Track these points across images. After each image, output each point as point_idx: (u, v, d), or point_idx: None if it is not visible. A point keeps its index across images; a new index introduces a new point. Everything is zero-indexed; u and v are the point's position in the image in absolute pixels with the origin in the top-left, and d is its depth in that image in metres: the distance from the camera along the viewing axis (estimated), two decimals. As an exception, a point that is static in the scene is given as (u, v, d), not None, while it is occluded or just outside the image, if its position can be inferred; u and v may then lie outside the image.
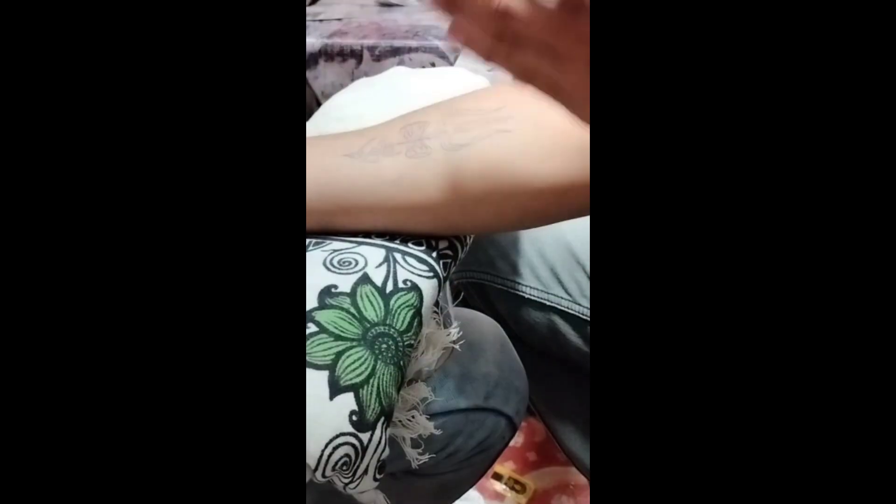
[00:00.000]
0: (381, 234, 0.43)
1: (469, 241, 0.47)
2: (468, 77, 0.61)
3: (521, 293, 0.60)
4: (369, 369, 0.35)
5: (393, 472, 0.62)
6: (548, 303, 0.60)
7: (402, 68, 0.68)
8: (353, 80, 0.76)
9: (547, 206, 0.42)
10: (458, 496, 0.59)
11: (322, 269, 0.39)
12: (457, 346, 0.42)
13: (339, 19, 0.85)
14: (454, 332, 0.42)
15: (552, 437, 0.74)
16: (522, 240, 0.60)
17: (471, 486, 0.60)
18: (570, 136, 0.39)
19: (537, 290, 0.60)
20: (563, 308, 0.60)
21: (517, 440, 1.05)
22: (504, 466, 1.02)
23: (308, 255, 0.41)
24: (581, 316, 0.59)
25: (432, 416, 0.45)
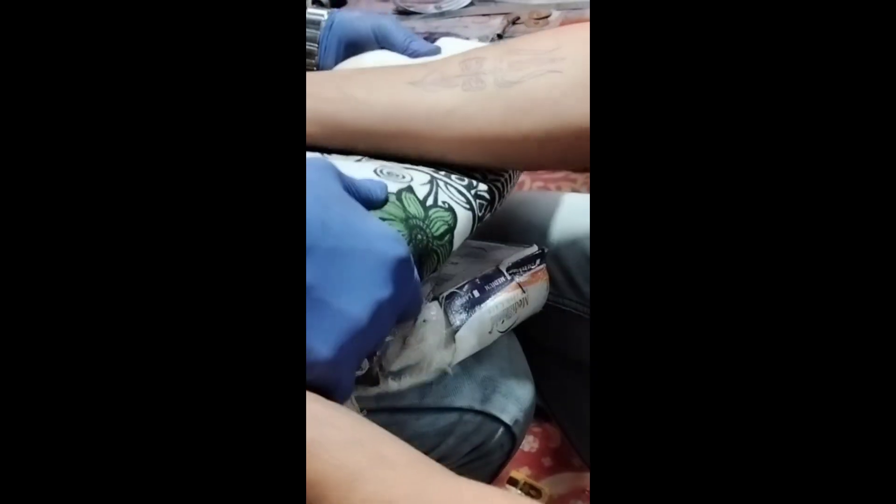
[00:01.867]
0: (430, 165, 0.46)
1: (508, 190, 0.50)
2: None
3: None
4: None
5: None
6: (562, 307, 0.60)
7: (451, 39, 0.69)
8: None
9: (586, 146, 0.43)
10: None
11: (372, 174, 0.42)
12: (450, 371, 0.44)
13: (359, 27, 0.86)
14: (449, 355, 0.44)
15: (567, 442, 0.74)
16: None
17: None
18: None
19: (552, 293, 0.61)
20: (578, 312, 0.60)
21: (532, 446, 1.04)
22: (520, 472, 1.01)
23: (358, 164, 0.44)
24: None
25: (424, 410, 0.47)
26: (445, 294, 0.43)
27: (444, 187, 0.43)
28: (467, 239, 0.44)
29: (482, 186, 0.46)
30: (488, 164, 0.47)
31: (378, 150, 0.46)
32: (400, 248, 0.35)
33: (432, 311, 0.42)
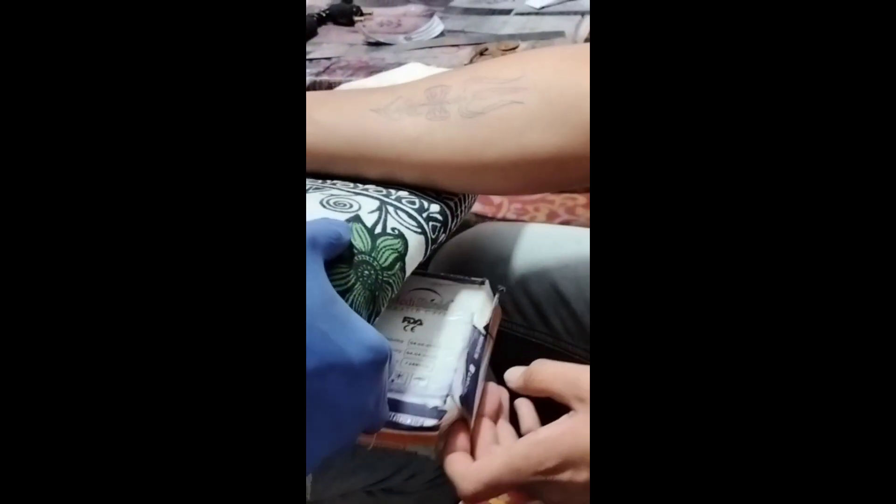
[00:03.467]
0: (382, 186, 0.46)
1: (462, 213, 0.49)
2: None
3: (505, 329, 0.60)
4: (349, 284, 0.37)
5: (370, 490, 0.62)
6: (533, 340, 0.60)
7: (418, 64, 0.69)
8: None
9: (550, 175, 0.45)
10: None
11: (318, 206, 0.41)
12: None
13: (329, 58, 0.86)
14: None
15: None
16: (509, 278, 0.60)
17: (454, 504, 0.58)
18: (578, 112, 0.42)
19: (522, 326, 0.60)
20: (548, 345, 0.59)
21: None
22: (498, 499, 1.00)
23: (307, 196, 0.43)
24: (565, 353, 0.59)
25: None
26: (459, 395, 0.41)
27: (393, 213, 0.43)
28: (420, 264, 0.43)
29: (434, 208, 0.45)
30: (454, 190, 0.47)
31: (344, 175, 0.47)
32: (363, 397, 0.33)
33: (451, 406, 0.40)
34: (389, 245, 0.40)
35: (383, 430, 0.39)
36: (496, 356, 0.49)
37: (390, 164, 0.45)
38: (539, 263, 0.60)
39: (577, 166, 0.43)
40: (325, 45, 0.90)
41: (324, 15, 0.96)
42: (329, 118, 0.45)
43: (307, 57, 0.87)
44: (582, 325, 0.58)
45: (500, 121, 0.43)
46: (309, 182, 0.46)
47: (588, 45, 0.45)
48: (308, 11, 0.97)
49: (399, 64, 0.80)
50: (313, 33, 0.95)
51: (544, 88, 0.43)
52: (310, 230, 0.34)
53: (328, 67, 0.83)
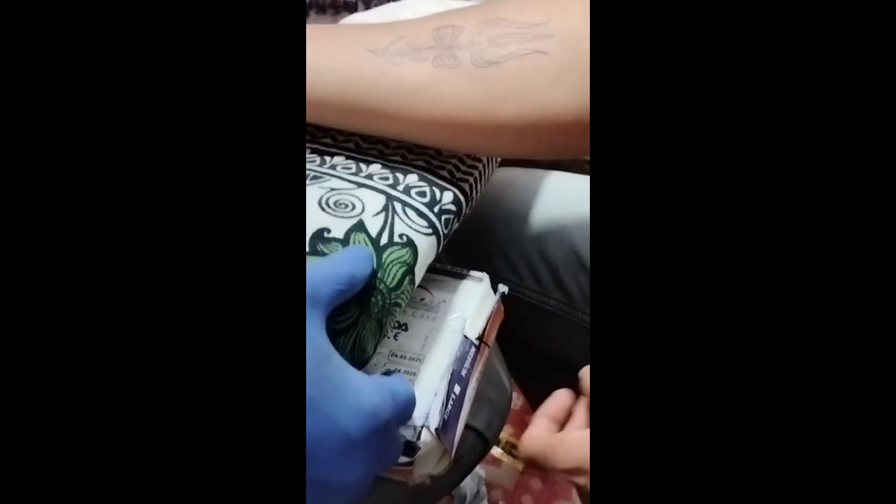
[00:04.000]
0: (387, 169, 0.40)
1: (478, 194, 0.43)
2: None
3: (518, 294, 0.56)
4: (351, 320, 0.33)
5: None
6: (547, 307, 0.55)
7: None
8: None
9: (572, 140, 0.38)
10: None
11: (317, 208, 0.36)
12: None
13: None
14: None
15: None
16: (524, 238, 0.55)
17: (446, 493, 0.57)
18: None
19: (536, 292, 0.56)
20: (563, 314, 0.55)
21: (516, 402, 1.02)
22: (503, 431, 1.00)
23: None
24: (582, 324, 0.55)
25: None
26: (435, 427, 0.36)
27: (401, 212, 0.37)
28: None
29: (447, 197, 0.40)
30: (454, 150, 0.41)
31: (332, 125, 0.41)
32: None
33: (427, 438, 0.36)
34: (397, 258, 0.35)
35: None
36: (507, 323, 0.45)
37: (387, 118, 0.39)
38: (558, 221, 0.55)
39: None
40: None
41: None
42: (319, 58, 0.38)
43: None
44: (601, 296, 0.53)
45: (520, 73, 0.36)
46: (308, 165, 0.41)
47: None
48: None
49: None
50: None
51: (572, 36, 0.36)
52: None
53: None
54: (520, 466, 1.00)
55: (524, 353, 0.56)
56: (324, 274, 0.30)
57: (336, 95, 0.38)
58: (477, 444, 0.49)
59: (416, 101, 0.38)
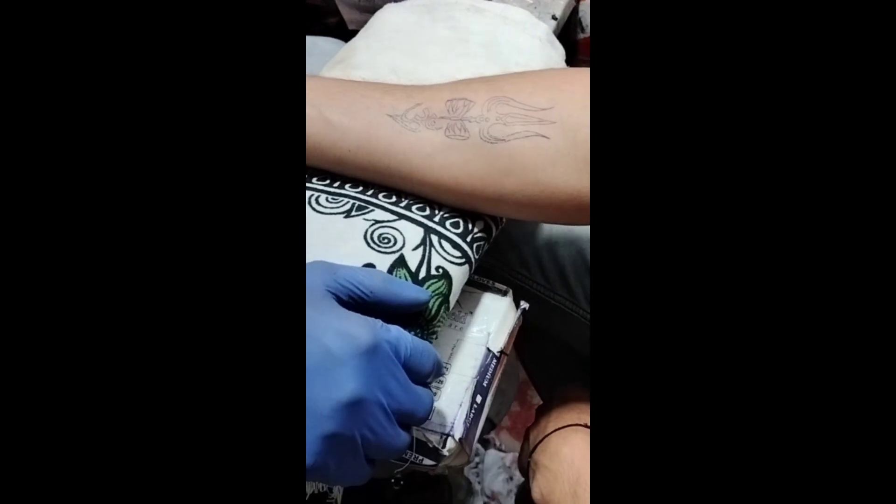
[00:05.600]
0: (419, 202, 0.44)
1: (503, 220, 0.48)
2: (530, 24, 0.59)
3: (525, 286, 0.60)
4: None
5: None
6: (551, 301, 0.60)
7: (393, 6, 0.63)
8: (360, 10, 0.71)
9: (567, 215, 0.43)
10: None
11: (363, 242, 0.40)
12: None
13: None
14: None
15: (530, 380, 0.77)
16: (536, 236, 0.60)
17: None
18: None
19: (542, 286, 0.60)
20: (565, 308, 0.60)
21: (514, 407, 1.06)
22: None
23: (351, 220, 0.42)
24: (582, 319, 0.60)
25: None
26: (459, 437, 0.40)
27: (437, 245, 0.41)
28: None
29: (478, 226, 0.44)
30: (461, 209, 0.45)
31: (351, 176, 0.44)
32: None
33: (451, 446, 0.40)
34: (435, 289, 0.39)
35: None
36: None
37: (401, 178, 0.43)
38: (570, 228, 0.60)
39: None
40: None
41: None
42: (341, 118, 0.42)
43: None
44: (602, 298, 0.58)
45: (522, 152, 0.41)
46: (352, 192, 0.44)
47: None
48: None
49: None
50: None
51: (572, 126, 0.40)
52: (335, 268, 0.35)
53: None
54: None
55: (528, 333, 0.62)
56: (354, 274, 0.36)
57: (355, 153, 0.43)
58: (486, 427, 0.55)
59: (428, 165, 0.42)
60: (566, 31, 0.76)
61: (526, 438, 0.55)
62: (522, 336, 0.62)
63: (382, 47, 0.56)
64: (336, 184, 0.45)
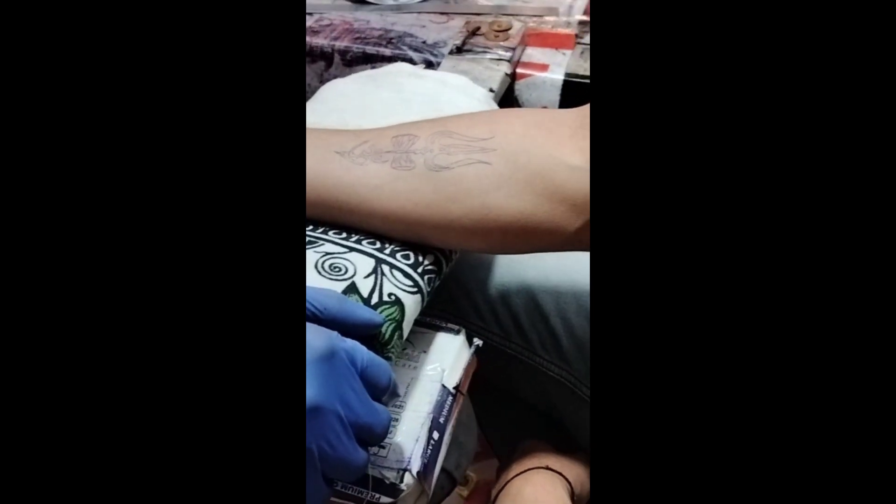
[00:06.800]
0: (368, 236, 0.44)
1: (455, 256, 0.48)
2: (469, 87, 0.61)
3: (481, 336, 0.60)
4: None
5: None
6: (508, 350, 0.60)
7: (405, 65, 0.67)
8: (322, 82, 0.74)
9: (513, 239, 0.44)
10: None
11: (314, 272, 0.41)
12: None
13: (310, 13, 0.81)
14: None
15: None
16: (488, 284, 0.60)
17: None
18: (543, 180, 0.41)
19: (498, 335, 0.61)
20: (522, 357, 0.60)
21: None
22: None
23: None
24: (539, 367, 0.60)
25: None
26: (417, 471, 0.40)
27: (388, 274, 0.42)
28: None
29: (427, 259, 0.45)
30: (411, 241, 0.45)
31: (310, 217, 0.45)
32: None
33: (409, 481, 0.40)
34: (388, 315, 0.39)
35: (334, 499, 0.38)
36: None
37: (350, 211, 0.44)
38: (519, 272, 0.61)
39: (542, 233, 0.42)
40: (307, -4, 0.85)
41: (306, -39, 0.90)
42: None
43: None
44: (558, 342, 0.58)
45: (465, 178, 0.42)
46: None
47: (558, 111, 0.45)
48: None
49: (385, 32, 0.77)
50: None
51: (512, 153, 0.42)
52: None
53: (310, 27, 0.79)
54: (465, 493, 1.04)
55: (486, 390, 0.61)
56: (309, 292, 0.35)
57: (305, 191, 0.43)
58: (446, 483, 0.53)
59: (376, 196, 0.43)
60: (503, 106, 0.80)
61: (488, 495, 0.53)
62: (478, 393, 0.62)
63: (328, 109, 0.58)
64: None
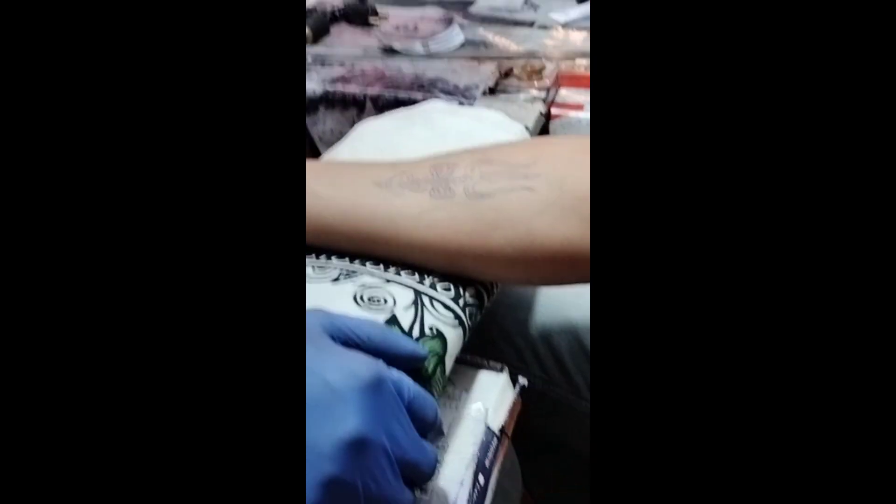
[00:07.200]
0: (406, 268, 0.42)
1: (496, 290, 0.46)
2: (505, 123, 0.60)
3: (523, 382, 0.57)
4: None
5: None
6: (551, 394, 0.57)
7: (439, 103, 0.66)
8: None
9: (558, 268, 0.41)
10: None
11: (352, 303, 0.39)
12: None
13: (342, 64, 0.82)
14: None
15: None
16: (530, 326, 0.58)
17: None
18: (589, 206, 0.39)
19: (541, 378, 0.58)
20: (566, 402, 0.57)
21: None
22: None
23: (338, 286, 0.40)
24: (587, 413, 0.56)
25: None
26: None
27: (429, 306, 0.40)
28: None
29: (469, 291, 0.42)
30: (451, 274, 0.43)
31: (336, 250, 0.43)
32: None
33: None
34: (430, 348, 0.37)
35: None
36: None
37: (387, 242, 0.42)
38: (561, 310, 0.58)
39: (587, 263, 0.40)
40: (339, 47, 0.86)
41: (337, 14, 0.91)
42: (326, 189, 0.42)
43: (319, 61, 0.83)
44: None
45: (508, 205, 0.40)
46: (338, 263, 0.43)
47: None
48: (321, 8, 0.92)
49: (417, 78, 0.77)
50: (325, 32, 0.90)
51: (557, 178, 0.40)
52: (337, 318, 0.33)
53: (342, 76, 0.79)
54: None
55: (528, 436, 0.58)
56: (351, 321, 0.34)
57: (341, 221, 0.42)
58: None
59: (414, 226, 0.41)
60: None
61: None
62: (519, 440, 0.59)
63: (364, 146, 0.57)
64: (322, 257, 0.44)
